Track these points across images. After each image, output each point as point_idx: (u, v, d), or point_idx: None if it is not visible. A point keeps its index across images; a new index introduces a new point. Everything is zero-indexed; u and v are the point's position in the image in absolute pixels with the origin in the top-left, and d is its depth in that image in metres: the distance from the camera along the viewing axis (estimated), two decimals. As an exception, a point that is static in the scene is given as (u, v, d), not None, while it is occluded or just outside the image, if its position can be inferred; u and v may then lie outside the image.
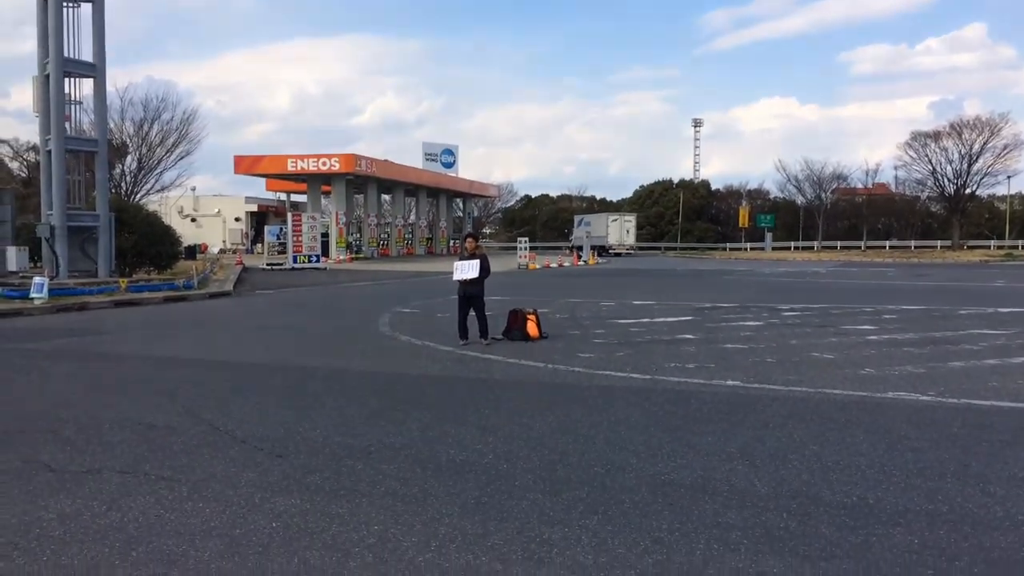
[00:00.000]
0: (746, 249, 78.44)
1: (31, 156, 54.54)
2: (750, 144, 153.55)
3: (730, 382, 9.18)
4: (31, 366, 10.65)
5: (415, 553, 4.30)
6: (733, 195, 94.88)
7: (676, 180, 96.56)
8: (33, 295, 19.21)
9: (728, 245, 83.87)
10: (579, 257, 51.95)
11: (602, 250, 62.33)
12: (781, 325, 15.01)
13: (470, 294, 12.54)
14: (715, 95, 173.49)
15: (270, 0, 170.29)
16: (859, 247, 76.72)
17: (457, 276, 12.60)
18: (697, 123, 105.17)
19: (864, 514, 4.85)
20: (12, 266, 23.41)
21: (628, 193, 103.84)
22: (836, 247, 78.01)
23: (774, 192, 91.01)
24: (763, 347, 12.02)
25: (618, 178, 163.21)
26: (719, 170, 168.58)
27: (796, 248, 79.22)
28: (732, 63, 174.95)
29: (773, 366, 10.31)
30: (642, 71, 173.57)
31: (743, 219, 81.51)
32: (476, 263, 12.41)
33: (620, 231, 66.54)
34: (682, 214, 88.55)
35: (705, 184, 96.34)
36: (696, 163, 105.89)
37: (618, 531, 4.60)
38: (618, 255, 64.00)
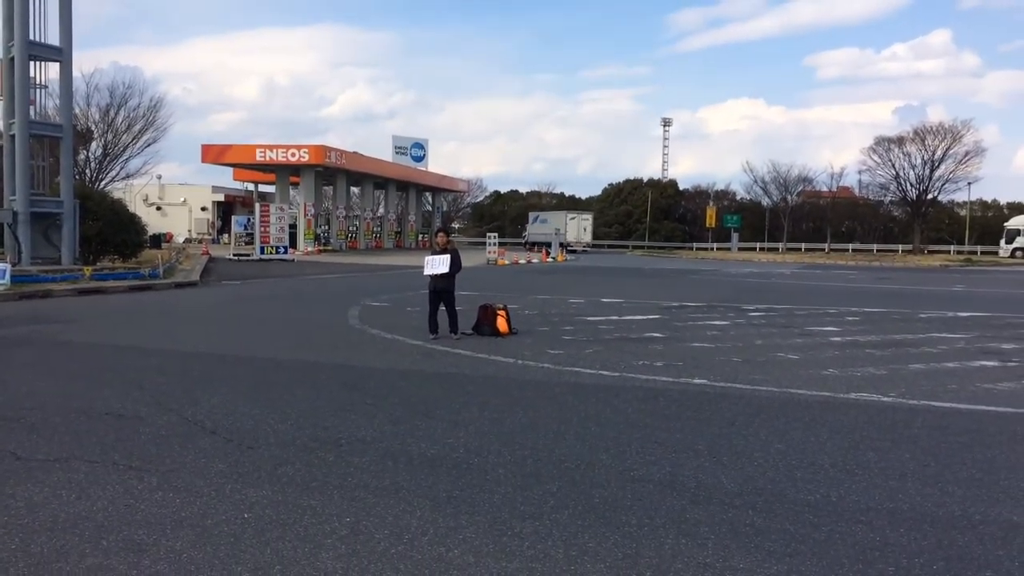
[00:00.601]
0: (712, 249, 79.16)
1: (-8, 140, 53.57)
2: (718, 145, 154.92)
3: (698, 380, 9.31)
4: (-7, 353, 10.50)
5: (387, 545, 4.33)
6: (701, 195, 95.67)
7: (645, 179, 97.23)
8: (-6, 281, 18.87)
9: (695, 245, 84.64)
10: (547, 254, 52.08)
11: (561, 245, 62.63)
12: (747, 325, 15.21)
13: (440, 288, 12.56)
14: (684, 95, 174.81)
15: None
16: (823, 249, 77.82)
17: (428, 271, 12.60)
18: (666, 122, 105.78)
19: (828, 511, 4.96)
20: (-28, 252, 22.99)
21: (597, 191, 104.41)
22: (801, 249, 79.09)
23: (741, 193, 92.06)
24: (729, 346, 12.18)
25: (587, 176, 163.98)
26: (687, 170, 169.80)
27: (761, 249, 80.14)
28: (702, 63, 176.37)
29: (739, 365, 10.46)
30: (613, 69, 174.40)
31: (710, 219, 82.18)
32: (447, 258, 12.43)
33: (578, 229, 67.35)
34: (650, 213, 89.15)
35: (673, 184, 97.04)
36: (664, 162, 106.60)
37: (588, 525, 4.68)
38: (573, 252, 64.43)
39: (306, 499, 5.03)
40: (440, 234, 13.37)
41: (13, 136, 23.12)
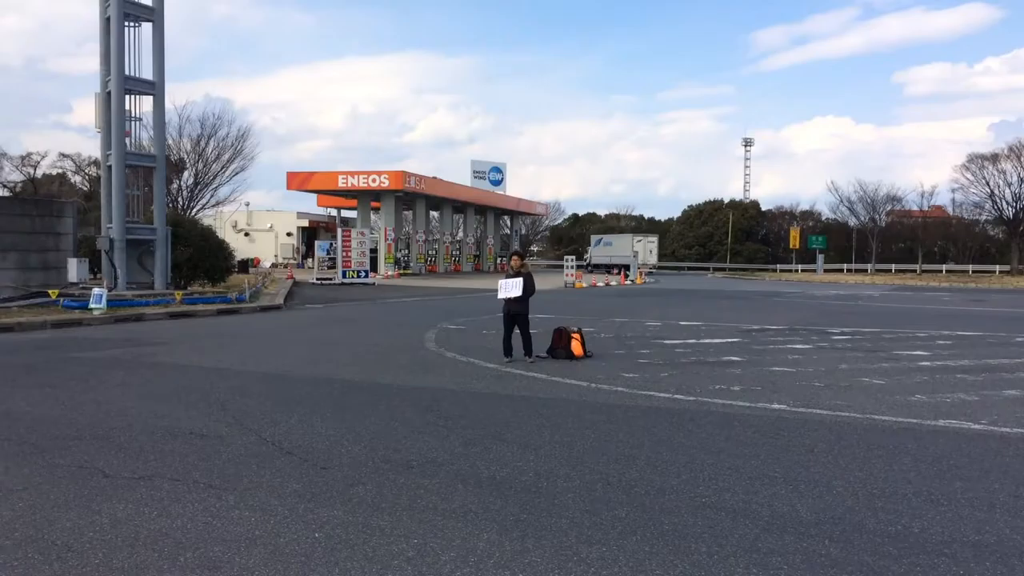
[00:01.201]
0: (797, 271, 77.38)
1: (93, 171, 56.30)
2: (803, 164, 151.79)
3: (776, 406, 9.09)
4: (89, 375, 10.97)
5: (453, 568, 4.35)
6: (784, 216, 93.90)
7: (726, 200, 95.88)
8: (92, 306, 19.77)
9: (778, 266, 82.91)
10: (625, 276, 51.75)
11: (625, 268, 62.94)
12: (831, 349, 14.80)
13: (514, 312, 12.60)
14: (768, 114, 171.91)
15: (323, 19, 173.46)
16: (914, 271, 75.18)
17: (502, 294, 12.67)
18: (747, 142, 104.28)
19: (908, 543, 4.77)
20: (73, 277, 24.11)
21: (676, 212, 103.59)
22: (890, 270, 76.64)
23: (826, 213, 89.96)
24: (811, 371, 11.87)
25: (667, 197, 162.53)
26: (770, 191, 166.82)
27: (848, 271, 78.02)
28: (786, 81, 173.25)
29: (821, 390, 10.18)
30: (694, 89, 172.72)
31: (794, 240, 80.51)
32: (520, 281, 12.48)
33: (644, 251, 67.30)
34: (731, 234, 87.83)
35: (755, 204, 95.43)
36: (746, 183, 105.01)
37: (655, 552, 4.60)
38: (651, 273, 64.74)
39: (376, 519, 5.10)
40: (514, 257, 13.44)
41: (110, 167, 24.23)
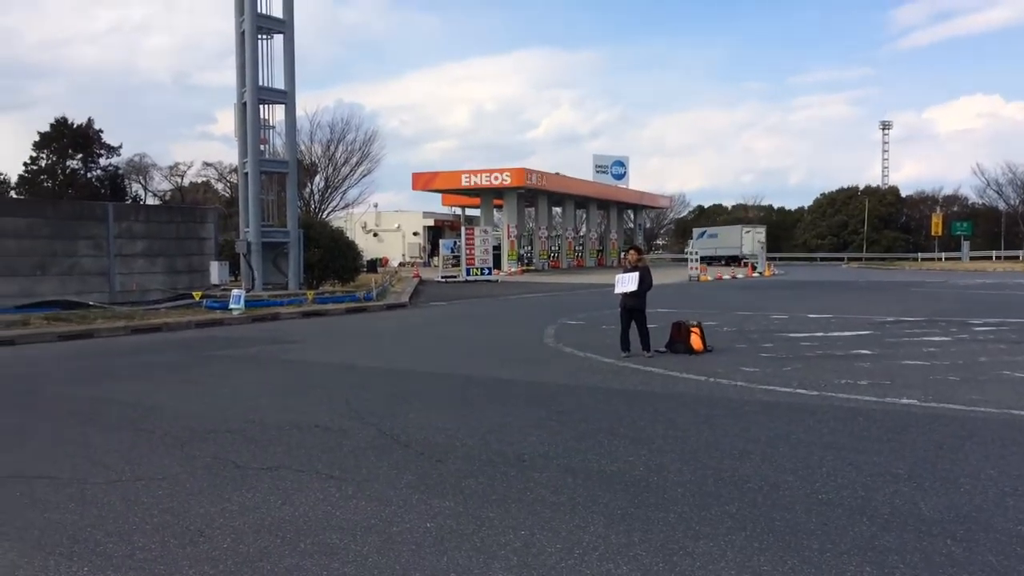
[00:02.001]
0: (940, 259, 73.28)
1: (233, 178, 59.46)
2: (946, 147, 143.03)
3: (905, 400, 8.70)
4: (227, 371, 11.65)
5: (557, 559, 4.41)
6: (925, 201, 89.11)
7: (861, 187, 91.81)
8: (232, 306, 20.94)
9: (919, 255, 78.69)
10: (753, 268, 50.41)
11: (732, 260, 64.61)
12: (971, 341, 14.00)
13: (631, 307, 12.53)
14: (908, 95, 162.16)
15: (448, 22, 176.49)
16: (1073, 256, 69.85)
17: (618, 289, 12.62)
18: (885, 126, 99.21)
19: (1040, 545, 4.51)
20: (215, 279, 25.58)
21: (808, 201, 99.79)
22: (1045, 256, 71.47)
23: (972, 198, 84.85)
24: (947, 364, 11.28)
25: (799, 185, 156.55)
26: (911, 175, 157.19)
27: (998, 258, 73.20)
28: (928, 60, 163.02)
29: (956, 384, 9.66)
30: (828, 72, 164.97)
31: (936, 227, 76.28)
32: (636, 275, 12.38)
33: (752, 242, 65.91)
34: (868, 222, 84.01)
35: (894, 190, 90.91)
36: (884, 168, 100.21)
37: (765, 548, 4.52)
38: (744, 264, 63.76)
39: (485, 511, 5.22)
40: (631, 251, 13.35)
41: (246, 174, 25.54)
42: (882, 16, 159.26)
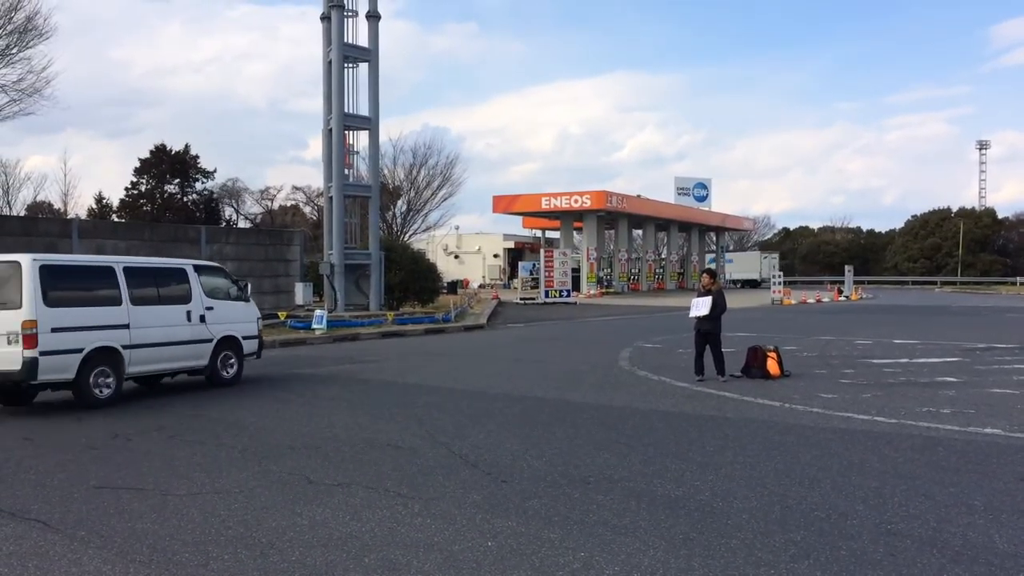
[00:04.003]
0: (1041, 283, 69.99)
1: (320, 201, 61.16)
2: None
3: (989, 430, 8.40)
4: (307, 390, 12.00)
5: (615, 581, 4.45)
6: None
7: (955, 208, 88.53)
8: (315, 326, 21.55)
9: (1018, 279, 75.25)
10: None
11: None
12: (1066, 369, 13.38)
13: (705, 330, 12.42)
14: (1010, 113, 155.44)
15: (533, 46, 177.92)
16: None
17: (692, 313, 12.54)
18: (983, 145, 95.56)
19: (1121, 584, 4.32)
20: (299, 300, 26.33)
21: (900, 223, 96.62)
22: None
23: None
24: (1038, 393, 10.82)
25: (892, 207, 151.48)
26: (1013, 196, 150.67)
27: (1103, 282, 69.51)
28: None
29: (1046, 415, 9.27)
30: (922, 91, 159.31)
31: (1037, 250, 72.90)
32: (709, 300, 12.29)
33: (767, 267, 67.24)
34: (963, 245, 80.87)
35: (990, 212, 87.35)
36: (981, 189, 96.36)
37: (827, 578, 4.46)
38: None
39: (547, 532, 5.28)
40: (704, 275, 13.25)
41: (331, 198, 26.32)
42: (984, 32, 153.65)
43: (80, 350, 10.16)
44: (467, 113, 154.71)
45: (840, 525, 5.37)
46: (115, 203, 63.60)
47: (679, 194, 65.82)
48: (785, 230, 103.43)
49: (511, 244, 74.99)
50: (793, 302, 40.37)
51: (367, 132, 27.71)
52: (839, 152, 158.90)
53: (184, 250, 24.82)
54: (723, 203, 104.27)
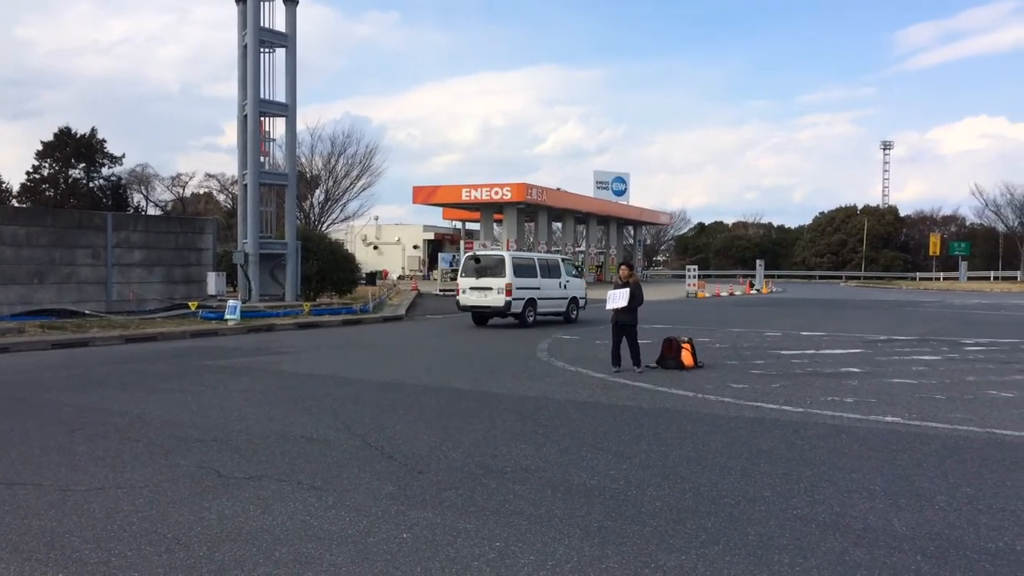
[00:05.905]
0: (937, 279, 73.41)
1: (235, 189, 59.69)
2: (951, 168, 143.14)
3: (889, 418, 8.75)
4: (217, 381, 11.68)
5: (530, 571, 4.45)
6: (924, 222, 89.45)
7: (861, 206, 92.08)
8: (227, 317, 21.02)
9: (918, 275, 78.82)
10: (751, 286, 50.49)
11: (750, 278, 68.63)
12: (960, 360, 14.06)
13: (622, 322, 12.59)
14: (913, 115, 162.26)
15: (457, 37, 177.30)
16: (1071, 277, 69.95)
17: (609, 305, 12.68)
18: (886, 145, 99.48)
19: (1007, 562, 4.55)
20: (212, 290, 25.62)
21: (808, 220, 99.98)
22: (1043, 277, 71.54)
23: (971, 219, 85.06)
24: (934, 383, 11.33)
25: (802, 204, 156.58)
26: (914, 195, 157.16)
27: (995, 279, 73.36)
28: (934, 81, 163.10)
29: (941, 403, 9.71)
30: (834, 92, 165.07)
31: (934, 247, 76.51)
32: (627, 292, 12.45)
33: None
34: (866, 242, 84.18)
35: (892, 210, 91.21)
36: (885, 188, 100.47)
37: (736, 562, 4.56)
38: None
39: (463, 523, 5.26)
40: (622, 268, 13.41)
41: (246, 185, 25.67)
42: (890, 36, 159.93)
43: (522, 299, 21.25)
44: (389, 103, 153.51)
45: (749, 511, 5.50)
46: (15, 188, 60.83)
47: (598, 188, 66.49)
48: (700, 225, 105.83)
49: (431, 235, 74.56)
50: (707, 295, 41.33)
51: (284, 119, 27.09)
52: (753, 149, 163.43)
53: (89, 238, 23.89)
54: (641, 197, 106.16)
